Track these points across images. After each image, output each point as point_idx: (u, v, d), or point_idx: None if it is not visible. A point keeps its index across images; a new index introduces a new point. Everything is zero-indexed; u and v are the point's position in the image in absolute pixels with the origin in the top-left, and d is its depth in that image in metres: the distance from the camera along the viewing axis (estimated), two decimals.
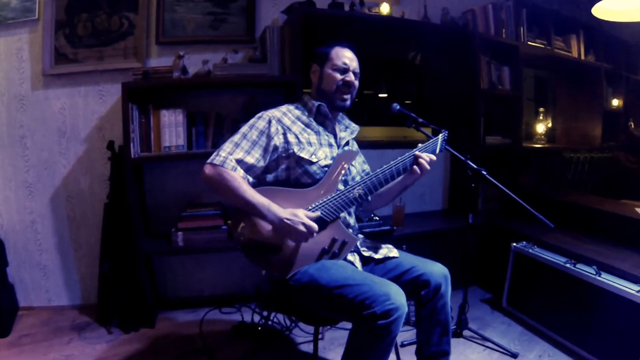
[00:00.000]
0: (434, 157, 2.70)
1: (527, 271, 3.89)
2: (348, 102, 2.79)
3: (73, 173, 4.14)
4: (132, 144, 3.64)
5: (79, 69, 4.02)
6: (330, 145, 2.75)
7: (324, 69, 2.77)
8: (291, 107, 2.80)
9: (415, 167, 2.65)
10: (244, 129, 2.60)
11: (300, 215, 2.40)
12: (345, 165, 2.69)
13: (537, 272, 3.76)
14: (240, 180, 2.44)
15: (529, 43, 5.22)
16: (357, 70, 2.81)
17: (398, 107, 2.92)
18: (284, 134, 2.62)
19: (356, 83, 2.80)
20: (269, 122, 2.61)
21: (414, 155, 2.67)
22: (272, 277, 2.61)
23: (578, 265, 3.45)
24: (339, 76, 2.73)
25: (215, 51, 4.19)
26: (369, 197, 2.68)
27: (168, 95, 4.07)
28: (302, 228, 2.38)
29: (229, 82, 3.98)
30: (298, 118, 2.74)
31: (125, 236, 3.79)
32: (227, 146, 2.53)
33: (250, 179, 2.54)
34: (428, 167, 2.65)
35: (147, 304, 3.88)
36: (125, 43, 4.05)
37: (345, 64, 2.74)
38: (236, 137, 2.56)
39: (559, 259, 3.62)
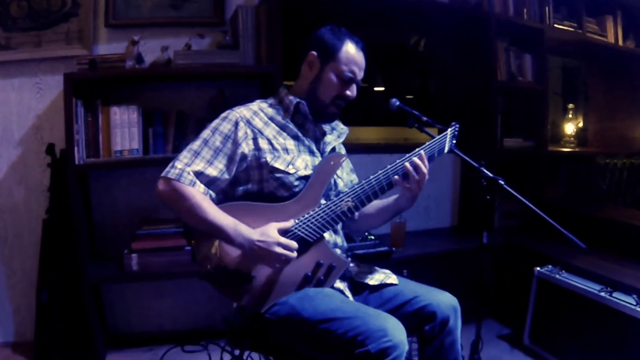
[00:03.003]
0: (423, 166, 2.61)
1: (554, 301, 3.89)
2: (337, 117, 2.77)
3: (5, 183, 4.12)
4: (76, 148, 3.62)
5: (12, 57, 4.00)
6: (311, 152, 2.71)
7: (325, 69, 2.67)
8: (263, 105, 2.74)
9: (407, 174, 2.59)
10: (205, 133, 2.55)
11: (273, 234, 2.36)
12: (331, 174, 2.65)
13: (565, 302, 3.77)
14: (199, 197, 2.40)
15: (556, 26, 5.26)
16: (361, 80, 2.75)
17: (398, 103, 2.90)
18: (254, 139, 2.56)
19: (355, 96, 2.75)
20: (236, 124, 2.56)
21: (418, 154, 2.63)
22: (245, 309, 2.57)
23: (615, 294, 3.47)
24: (340, 88, 2.66)
25: (177, 35, 4.18)
26: (356, 214, 2.66)
27: (120, 88, 4.06)
28: (278, 250, 2.34)
29: (193, 73, 3.98)
30: (272, 118, 2.68)
31: (68, 259, 3.79)
32: (185, 155, 2.49)
33: (213, 195, 2.51)
34: (417, 176, 2.58)
35: (94, 341, 3.86)
36: (68, 26, 4.04)
37: (353, 73, 2.65)
38: (195, 144, 2.52)
39: (592, 287, 3.62)
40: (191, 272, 3.86)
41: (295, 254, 2.39)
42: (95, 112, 3.76)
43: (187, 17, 4.22)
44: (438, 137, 2.75)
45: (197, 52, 3.97)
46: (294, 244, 2.38)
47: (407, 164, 2.58)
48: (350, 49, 2.65)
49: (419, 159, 2.59)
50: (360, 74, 2.69)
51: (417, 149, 2.65)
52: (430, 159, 2.67)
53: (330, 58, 2.65)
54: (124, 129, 3.80)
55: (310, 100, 2.70)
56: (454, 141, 2.82)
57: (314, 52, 2.69)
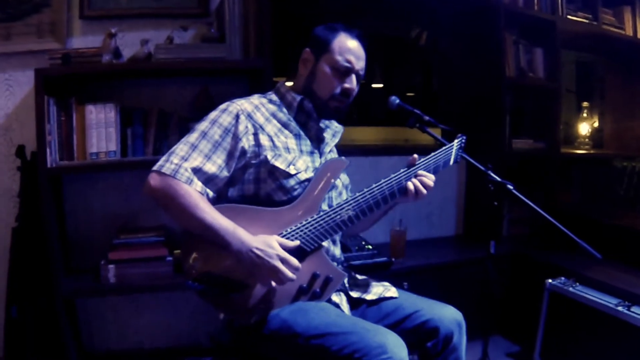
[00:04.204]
0: (430, 181, 2.65)
1: (567, 316, 3.90)
2: (341, 112, 2.78)
3: None
4: (48, 150, 3.59)
5: None
6: (311, 152, 2.73)
7: (320, 63, 2.71)
8: (264, 100, 2.76)
9: (409, 184, 2.62)
10: (203, 125, 2.55)
11: (275, 246, 2.35)
12: (332, 180, 2.64)
13: (579, 317, 3.78)
14: (197, 196, 2.39)
15: (569, 17, 5.26)
16: (363, 72, 2.77)
17: (397, 101, 2.93)
18: (255, 135, 2.57)
19: (357, 88, 2.77)
20: (237, 117, 2.56)
21: (422, 168, 2.66)
22: (232, 323, 2.57)
23: (633, 309, 3.48)
24: (337, 80, 2.68)
25: (158, 28, 4.17)
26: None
27: (96, 85, 4.04)
28: (277, 263, 2.32)
29: (175, 69, 3.92)
30: (273, 115, 2.69)
31: (39, 271, 3.77)
32: (181, 149, 2.47)
33: (211, 194, 2.50)
34: (424, 190, 2.63)
35: None
36: (39, 17, 4.02)
37: (349, 62, 2.67)
38: (193, 137, 2.51)
39: (608, 301, 3.64)
40: (173, 284, 3.83)
41: (294, 276, 2.37)
42: (69, 111, 3.73)
43: (168, 8, 4.20)
44: (443, 148, 2.79)
45: (180, 46, 3.95)
46: (296, 264, 2.37)
47: (414, 179, 2.61)
48: (345, 38, 2.69)
49: (423, 173, 2.63)
50: (358, 64, 2.71)
51: (421, 160, 2.69)
52: (435, 170, 2.70)
53: (324, 50, 2.69)
54: (100, 130, 3.77)
55: (307, 96, 2.72)
56: (461, 152, 2.85)
57: (308, 49, 2.73)
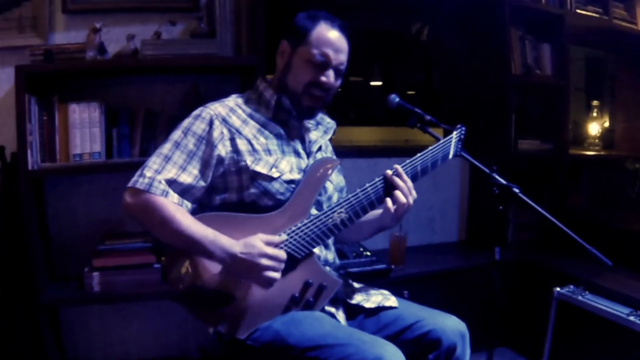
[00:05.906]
0: (407, 184, 2.61)
1: (575, 326, 3.89)
2: (316, 111, 2.77)
3: None
4: (29, 151, 3.58)
5: None
6: (296, 152, 2.71)
7: (295, 55, 2.66)
8: (240, 101, 2.73)
9: (387, 198, 2.58)
10: (176, 134, 2.53)
11: (258, 245, 2.33)
12: (323, 181, 2.63)
13: (588, 327, 3.77)
14: (172, 208, 2.37)
15: (579, 11, 5.26)
16: (343, 66, 2.71)
17: (397, 99, 2.92)
18: (232, 140, 2.54)
19: (337, 84, 2.70)
20: (210, 123, 2.53)
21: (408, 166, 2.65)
22: (222, 336, 2.53)
23: None
24: (311, 73, 2.62)
25: (145, 22, 4.15)
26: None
27: (80, 83, 4.04)
28: (264, 262, 2.31)
29: (163, 66, 3.94)
30: (251, 116, 2.66)
31: (20, 279, 3.75)
32: (154, 162, 2.45)
33: (188, 205, 2.48)
34: (404, 199, 2.57)
35: None
36: (20, 11, 4.01)
37: (325, 55, 2.61)
38: (166, 148, 2.49)
39: (620, 310, 3.62)
40: (161, 292, 3.79)
41: (282, 265, 2.37)
42: (51, 110, 3.71)
43: (156, 2, 4.17)
44: (441, 141, 2.77)
45: (168, 42, 3.95)
46: (282, 255, 2.36)
47: (392, 176, 2.58)
48: (324, 29, 2.63)
49: (397, 176, 2.59)
50: (337, 57, 2.64)
51: (418, 155, 2.67)
52: (433, 165, 2.69)
53: (300, 42, 2.64)
54: (84, 130, 3.76)
55: (282, 91, 2.68)
56: (460, 145, 2.83)
57: (285, 40, 2.70)
